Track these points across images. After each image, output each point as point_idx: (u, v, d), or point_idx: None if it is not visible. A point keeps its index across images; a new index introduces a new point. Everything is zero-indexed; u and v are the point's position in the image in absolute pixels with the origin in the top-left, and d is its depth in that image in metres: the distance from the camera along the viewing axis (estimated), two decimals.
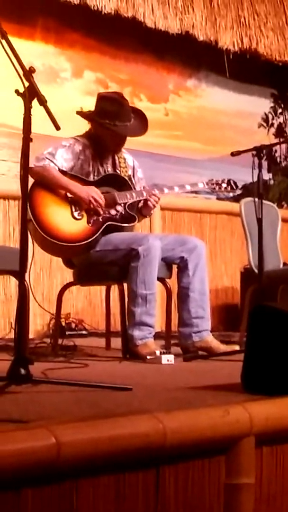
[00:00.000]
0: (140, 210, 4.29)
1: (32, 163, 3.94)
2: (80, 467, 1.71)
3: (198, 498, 1.96)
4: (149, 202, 4.21)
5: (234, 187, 4.42)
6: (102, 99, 4.27)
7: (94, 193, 4.09)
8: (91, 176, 4.19)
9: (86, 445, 1.70)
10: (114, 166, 4.29)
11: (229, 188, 4.41)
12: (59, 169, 4.10)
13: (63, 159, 4.13)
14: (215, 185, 4.40)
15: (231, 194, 4.49)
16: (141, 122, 4.27)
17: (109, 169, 4.27)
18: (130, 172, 4.34)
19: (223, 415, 2.01)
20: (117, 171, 4.28)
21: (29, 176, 3.96)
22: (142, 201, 4.24)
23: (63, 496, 1.69)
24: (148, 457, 1.86)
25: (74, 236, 4.06)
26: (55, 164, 4.09)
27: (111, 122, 4.12)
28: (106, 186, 4.19)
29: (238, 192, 4.58)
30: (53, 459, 1.64)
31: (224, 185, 4.40)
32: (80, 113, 4.28)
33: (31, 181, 3.91)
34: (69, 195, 4.09)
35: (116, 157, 4.29)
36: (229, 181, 4.42)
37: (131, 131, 4.22)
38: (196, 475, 1.96)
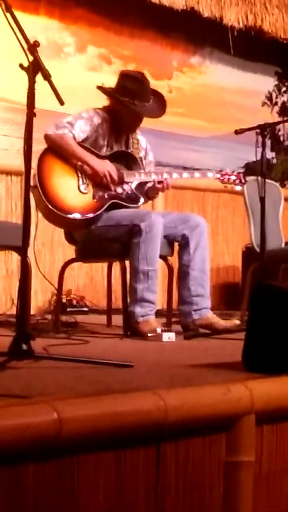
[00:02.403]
0: (146, 192, 4.28)
1: (50, 129, 3.96)
2: (81, 443, 1.72)
3: (198, 475, 1.97)
4: (157, 186, 4.20)
5: (243, 181, 4.41)
6: (124, 77, 4.26)
7: (109, 168, 4.09)
8: (104, 150, 4.18)
9: (87, 421, 1.71)
10: (127, 145, 4.29)
11: (237, 181, 4.40)
12: (76, 140, 4.08)
13: (80, 130, 4.11)
14: (225, 175, 4.38)
15: (238, 188, 4.48)
16: (160, 104, 4.28)
17: (123, 147, 4.26)
18: (142, 154, 4.33)
19: (224, 392, 2.01)
20: (130, 150, 4.27)
21: (46, 142, 4.00)
22: (149, 183, 4.23)
23: (64, 472, 1.70)
24: (149, 434, 1.86)
25: (78, 209, 4.05)
26: (73, 134, 4.08)
27: (131, 101, 4.11)
28: (116, 163, 4.18)
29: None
30: (55, 434, 1.64)
31: (233, 177, 4.38)
32: (101, 88, 4.26)
33: (34, 156, 3.89)
34: (79, 167, 4.07)
35: (131, 137, 4.29)
36: (239, 173, 4.41)
37: (148, 112, 4.21)
38: (196, 453, 1.97)
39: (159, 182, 4.20)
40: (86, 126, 4.14)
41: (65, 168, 4.08)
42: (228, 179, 4.38)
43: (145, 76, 4.33)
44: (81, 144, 4.11)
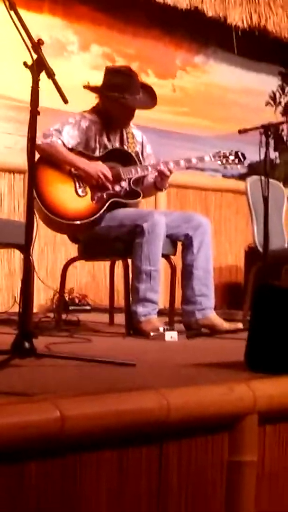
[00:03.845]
0: (155, 184, 4.26)
1: (39, 139, 3.93)
2: (83, 441, 1.72)
3: (200, 474, 1.97)
4: (157, 177, 4.19)
5: (242, 158, 4.35)
6: (110, 72, 4.24)
7: (102, 168, 4.08)
8: (97, 151, 4.17)
9: (90, 420, 1.70)
10: (121, 141, 4.27)
11: (236, 160, 4.35)
12: (65, 146, 4.08)
13: (69, 136, 4.11)
14: (222, 157, 4.34)
15: (239, 167, 4.42)
16: (150, 96, 4.25)
17: (117, 145, 4.25)
18: (138, 148, 4.31)
19: (227, 392, 2.01)
20: (125, 146, 4.26)
21: (36, 152, 3.98)
22: (154, 175, 4.22)
23: (67, 470, 1.70)
24: (151, 432, 1.86)
25: (78, 213, 4.05)
26: (62, 140, 4.07)
27: (121, 95, 4.10)
28: (111, 162, 4.17)
29: (244, 169, 4.55)
30: (57, 432, 1.64)
31: (231, 157, 4.33)
32: (88, 87, 4.25)
33: (37, 156, 3.89)
34: (73, 171, 4.08)
35: (124, 133, 4.27)
36: (236, 153, 4.35)
37: (140, 103, 4.19)
38: (199, 452, 1.97)
39: (161, 173, 4.18)
40: (74, 131, 4.13)
41: (60, 175, 4.08)
42: (227, 160, 4.35)
43: (131, 69, 4.32)
44: (71, 149, 4.10)
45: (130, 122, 4.26)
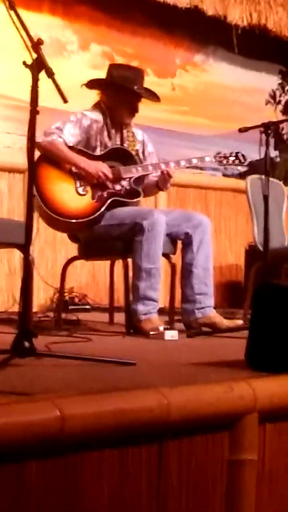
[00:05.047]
0: (157, 184, 4.26)
1: (40, 137, 3.94)
2: (84, 440, 1.72)
3: (201, 473, 1.97)
4: (160, 176, 4.19)
5: (242, 159, 4.35)
6: (116, 67, 4.30)
7: (103, 167, 4.08)
8: (98, 150, 4.17)
9: (90, 419, 1.71)
10: (122, 140, 4.27)
11: (237, 161, 4.35)
12: (66, 144, 4.08)
13: (70, 134, 4.10)
14: (222, 158, 4.34)
15: (239, 167, 4.43)
16: (153, 93, 4.27)
17: (117, 143, 4.24)
18: (138, 147, 4.31)
19: (227, 391, 2.01)
20: (125, 145, 4.25)
21: (37, 150, 3.98)
22: (157, 175, 4.22)
23: (67, 469, 1.70)
24: (151, 432, 1.86)
25: (79, 212, 4.05)
26: (63, 139, 4.07)
27: (130, 86, 4.11)
28: (111, 161, 4.16)
29: (245, 169, 4.55)
30: (58, 432, 1.64)
31: (232, 158, 4.34)
32: (92, 81, 4.24)
33: (37, 155, 3.89)
34: (74, 170, 4.08)
35: (125, 131, 4.27)
36: (237, 154, 4.35)
37: (148, 95, 4.22)
38: (199, 451, 1.97)
39: (162, 173, 4.18)
40: (75, 129, 4.12)
41: (60, 174, 4.08)
42: (227, 161, 4.35)
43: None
44: (72, 147, 4.10)
45: (133, 117, 4.24)
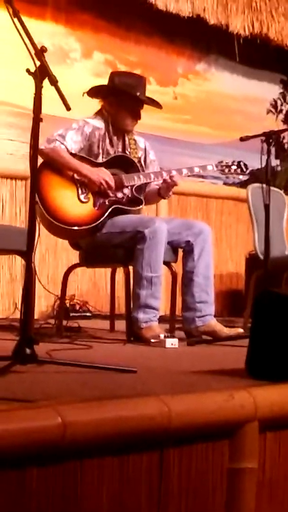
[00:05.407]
0: (159, 192, 4.27)
1: (42, 144, 3.95)
2: (85, 447, 1.72)
3: (201, 481, 1.97)
4: (163, 185, 4.20)
5: (244, 169, 4.37)
6: (118, 74, 4.32)
7: (105, 175, 4.09)
8: (100, 157, 4.18)
9: (91, 426, 1.71)
10: (124, 147, 4.27)
11: (239, 170, 4.37)
12: (68, 151, 4.09)
13: (72, 141, 4.11)
14: (224, 167, 4.36)
15: (241, 177, 4.45)
16: (154, 101, 4.29)
17: (119, 151, 4.25)
18: (140, 155, 4.32)
19: (228, 399, 2.01)
20: (127, 152, 4.26)
21: (40, 157, 3.98)
22: (160, 183, 4.23)
23: (68, 476, 1.70)
24: (152, 439, 1.86)
25: (80, 219, 4.05)
26: (65, 146, 4.08)
27: (133, 92, 4.13)
28: (113, 168, 4.17)
29: (246, 177, 4.55)
30: (59, 439, 1.64)
31: (234, 167, 4.36)
32: (95, 88, 4.25)
33: (39, 162, 3.90)
34: (76, 177, 4.08)
35: (127, 139, 4.28)
36: (239, 163, 4.37)
37: (150, 101, 4.24)
38: (199, 459, 1.97)
39: (165, 182, 4.19)
40: (78, 136, 4.13)
41: (62, 181, 4.08)
42: (229, 170, 4.36)
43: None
44: (74, 154, 4.11)
45: (135, 124, 4.25)
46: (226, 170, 4.36)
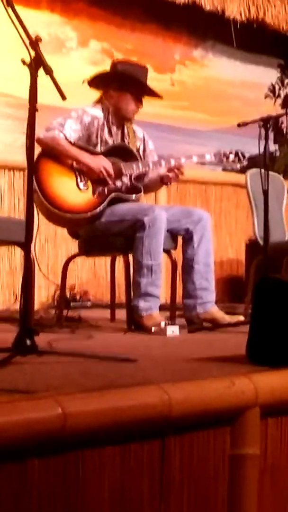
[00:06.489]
0: (162, 179, 4.26)
1: (41, 133, 3.94)
2: (86, 437, 1.72)
3: (203, 468, 1.97)
4: (172, 174, 4.18)
5: (242, 158, 4.37)
6: (121, 63, 4.29)
7: (105, 163, 4.08)
8: (99, 146, 4.17)
9: (92, 416, 1.71)
10: (123, 137, 4.27)
11: (236, 160, 4.36)
12: (67, 139, 4.08)
13: (71, 130, 4.10)
14: (222, 156, 4.35)
15: (238, 166, 4.43)
16: (154, 91, 4.29)
17: (118, 140, 4.24)
18: (139, 144, 4.31)
19: (229, 386, 2.01)
20: (126, 142, 4.26)
21: (39, 145, 3.98)
22: (165, 170, 4.22)
23: (69, 467, 1.70)
24: (153, 428, 1.86)
25: (79, 207, 4.05)
26: (64, 134, 4.07)
27: (139, 78, 4.12)
28: (112, 157, 4.16)
29: (244, 163, 4.55)
30: (60, 429, 1.64)
31: (231, 156, 4.35)
32: (97, 75, 4.23)
33: (37, 151, 3.89)
34: (75, 165, 4.07)
35: (126, 128, 4.27)
36: (236, 152, 4.37)
37: (152, 91, 4.23)
38: (201, 446, 1.97)
39: (169, 171, 4.19)
40: (77, 125, 4.12)
41: (61, 169, 4.07)
42: (227, 159, 4.36)
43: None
44: (74, 143, 4.10)
45: (136, 112, 4.24)
46: (224, 160, 4.35)
